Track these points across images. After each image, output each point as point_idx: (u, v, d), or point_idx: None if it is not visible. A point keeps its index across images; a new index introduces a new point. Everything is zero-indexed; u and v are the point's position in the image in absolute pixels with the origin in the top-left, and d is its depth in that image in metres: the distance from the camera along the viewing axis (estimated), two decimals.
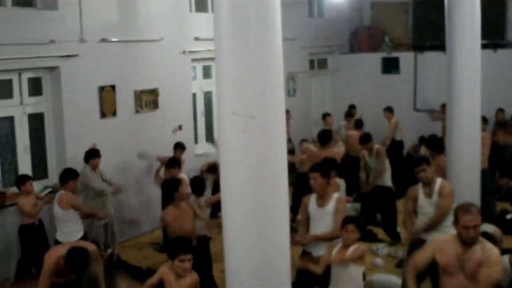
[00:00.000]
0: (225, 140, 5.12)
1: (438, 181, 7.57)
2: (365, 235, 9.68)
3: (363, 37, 17.33)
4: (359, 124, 13.29)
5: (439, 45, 13.79)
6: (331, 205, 7.05)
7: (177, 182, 7.69)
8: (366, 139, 10.74)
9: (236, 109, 4.96)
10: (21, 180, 8.81)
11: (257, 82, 5.02)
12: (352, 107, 15.31)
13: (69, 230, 8.39)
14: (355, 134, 12.37)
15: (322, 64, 17.35)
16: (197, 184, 8.60)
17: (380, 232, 10.66)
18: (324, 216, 7.10)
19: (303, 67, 15.92)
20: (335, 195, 7.17)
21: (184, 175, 9.74)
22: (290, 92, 15.28)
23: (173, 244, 6.00)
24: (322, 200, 7.12)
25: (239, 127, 4.95)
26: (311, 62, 16.71)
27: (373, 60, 16.86)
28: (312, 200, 7.21)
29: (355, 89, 16.77)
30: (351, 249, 6.45)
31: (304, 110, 15.94)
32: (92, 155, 9.57)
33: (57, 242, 8.41)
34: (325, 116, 14.18)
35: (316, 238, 7.08)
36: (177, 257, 5.76)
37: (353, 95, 16.44)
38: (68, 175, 8.50)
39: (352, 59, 17.22)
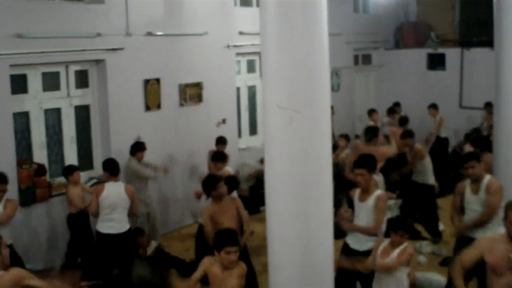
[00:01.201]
0: (270, 134, 5.13)
1: (487, 177, 7.47)
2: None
3: (408, 33, 17.15)
4: (403, 122, 13.14)
5: (487, 41, 13.55)
6: (370, 201, 7.05)
7: (215, 180, 7.68)
8: (407, 135, 10.63)
9: (281, 103, 4.96)
10: (69, 170, 8.96)
11: (302, 77, 5.02)
12: (396, 105, 15.16)
13: (125, 219, 8.54)
14: (398, 131, 12.25)
15: (367, 59, 17.23)
16: (231, 182, 8.64)
17: (423, 230, 10.56)
18: (363, 210, 7.12)
19: (347, 63, 15.83)
20: (377, 192, 7.14)
21: (230, 169, 9.83)
22: (334, 88, 15.21)
23: (219, 236, 5.96)
24: (364, 195, 7.12)
25: (284, 121, 4.95)
26: (356, 58, 16.61)
27: (418, 56, 16.66)
28: (356, 195, 7.23)
29: (399, 85, 16.60)
30: (397, 250, 6.39)
31: (348, 106, 15.86)
32: (139, 148, 9.72)
33: (101, 235, 8.53)
34: (371, 112, 14.08)
35: (353, 228, 7.10)
36: (223, 249, 5.70)
37: (398, 92, 16.27)
38: (115, 170, 8.63)
39: (397, 55, 17.05)
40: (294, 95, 5.00)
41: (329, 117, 5.31)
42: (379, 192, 7.20)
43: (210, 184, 7.62)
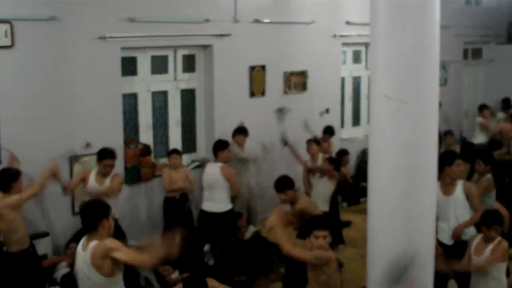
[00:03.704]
0: (376, 124, 5.07)
1: None
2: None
3: None
4: None
5: None
6: (458, 192, 6.87)
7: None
8: None
9: (389, 93, 4.90)
10: (168, 153, 9.27)
11: (412, 67, 4.94)
12: (506, 100, 14.67)
13: (223, 200, 8.66)
14: (509, 127, 11.82)
15: (477, 54, 16.71)
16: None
17: None
18: (450, 203, 6.97)
19: (456, 56, 15.41)
20: (460, 181, 6.97)
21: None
22: (441, 82, 14.79)
23: (308, 221, 5.94)
24: (447, 188, 6.94)
25: (391, 111, 4.88)
26: (465, 52, 16.13)
27: None
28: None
29: (510, 81, 15.99)
30: (490, 246, 6.19)
31: (454, 101, 15.43)
32: (240, 131, 9.81)
33: (202, 212, 8.70)
34: (482, 107, 13.63)
35: (464, 227, 6.91)
36: (311, 233, 5.67)
37: (508, 88, 15.68)
38: (218, 147, 8.75)
39: (509, 50, 16.43)
40: (402, 86, 4.93)
41: (437, 109, 5.20)
42: (462, 180, 7.02)
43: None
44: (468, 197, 6.93)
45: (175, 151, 9.28)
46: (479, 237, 6.38)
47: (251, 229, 9.60)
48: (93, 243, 4.94)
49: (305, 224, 6.28)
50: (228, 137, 9.73)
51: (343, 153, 11.44)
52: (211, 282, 6.49)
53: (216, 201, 8.64)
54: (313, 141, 10.11)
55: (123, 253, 4.99)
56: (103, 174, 7.86)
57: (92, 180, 7.87)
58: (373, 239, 5.26)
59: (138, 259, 5.05)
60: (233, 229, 8.94)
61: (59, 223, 8.59)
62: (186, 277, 7.43)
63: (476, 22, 15.72)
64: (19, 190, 6.87)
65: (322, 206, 8.45)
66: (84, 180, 7.95)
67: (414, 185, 4.97)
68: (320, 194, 8.81)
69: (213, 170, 8.65)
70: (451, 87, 15.26)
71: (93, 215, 5.03)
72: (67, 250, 8.09)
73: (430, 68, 5.05)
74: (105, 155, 7.86)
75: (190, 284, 6.26)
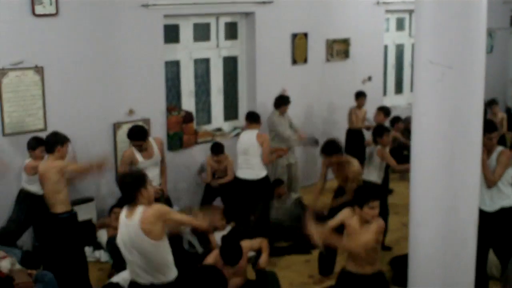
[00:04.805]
0: (420, 89, 5.02)
1: None
2: None
3: None
4: None
5: None
6: (492, 159, 6.76)
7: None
8: None
9: (433, 58, 4.83)
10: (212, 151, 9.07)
11: (457, 33, 4.86)
12: None
13: (260, 166, 8.56)
14: None
15: None
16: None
17: None
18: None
19: (503, 23, 15.06)
20: (499, 148, 6.84)
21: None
22: (487, 49, 14.49)
23: (362, 191, 5.94)
24: (486, 154, 6.84)
25: (436, 77, 4.82)
26: None
27: None
28: None
29: None
30: None
31: (500, 69, 15.12)
32: (284, 101, 9.75)
33: (238, 180, 8.63)
34: None
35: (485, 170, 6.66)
36: (367, 203, 5.69)
37: None
38: (255, 119, 8.69)
39: None
40: (447, 52, 4.85)
41: (483, 75, 5.12)
42: (501, 148, 6.90)
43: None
44: (497, 162, 6.80)
45: (216, 151, 9.02)
46: None
47: (293, 196, 9.61)
48: (140, 209, 4.98)
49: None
50: (269, 104, 9.73)
51: (396, 119, 11.19)
52: (245, 243, 6.53)
53: (253, 167, 8.51)
54: (383, 110, 10.05)
55: (179, 215, 5.31)
56: (139, 149, 7.63)
57: (140, 158, 7.61)
58: (415, 207, 5.23)
59: (194, 220, 5.34)
60: (270, 195, 8.93)
61: (103, 188, 8.74)
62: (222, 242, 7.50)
63: None
64: (63, 156, 6.96)
65: (376, 178, 8.36)
66: (132, 162, 7.62)
67: (458, 153, 4.91)
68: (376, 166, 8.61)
69: (250, 136, 8.52)
70: (497, 55, 14.95)
71: (130, 186, 5.06)
72: (111, 215, 8.23)
73: (476, 34, 4.95)
74: (134, 136, 7.59)
75: (226, 248, 6.31)
